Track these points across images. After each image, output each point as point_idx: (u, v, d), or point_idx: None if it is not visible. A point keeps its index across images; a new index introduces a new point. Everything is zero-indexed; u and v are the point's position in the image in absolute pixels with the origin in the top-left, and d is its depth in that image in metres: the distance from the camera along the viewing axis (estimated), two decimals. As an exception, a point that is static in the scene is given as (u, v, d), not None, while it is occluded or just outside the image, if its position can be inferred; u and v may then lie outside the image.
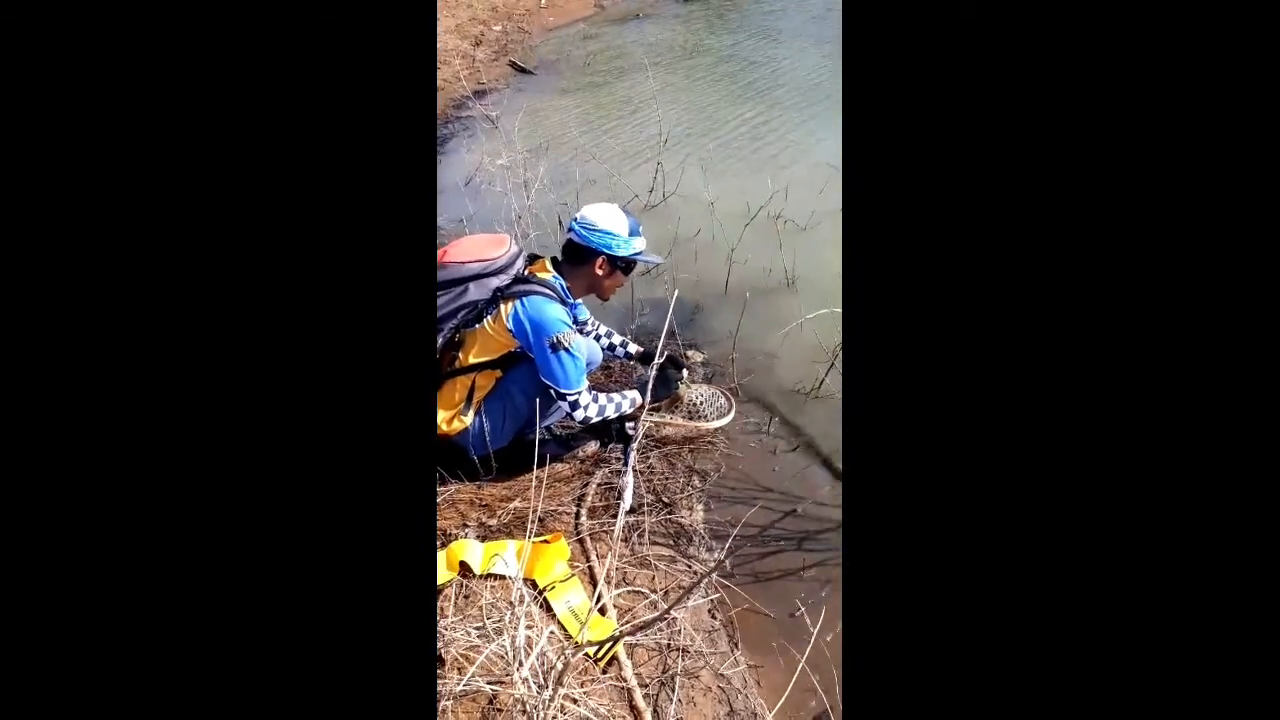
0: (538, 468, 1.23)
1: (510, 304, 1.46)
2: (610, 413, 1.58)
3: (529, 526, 1.11)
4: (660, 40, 5.22)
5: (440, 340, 1.47)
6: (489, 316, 1.47)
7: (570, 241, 1.54)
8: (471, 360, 1.49)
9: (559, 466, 1.68)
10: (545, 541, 1.38)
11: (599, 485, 1.59)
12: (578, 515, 1.50)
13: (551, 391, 1.50)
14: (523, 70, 4.77)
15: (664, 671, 1.20)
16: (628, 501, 1.50)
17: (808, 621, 1.13)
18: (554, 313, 1.45)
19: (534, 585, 1.31)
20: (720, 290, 2.31)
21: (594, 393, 1.56)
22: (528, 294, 1.46)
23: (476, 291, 1.44)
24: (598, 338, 1.82)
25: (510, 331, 1.46)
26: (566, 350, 1.46)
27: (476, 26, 5.36)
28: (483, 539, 1.41)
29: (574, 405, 1.52)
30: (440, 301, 1.44)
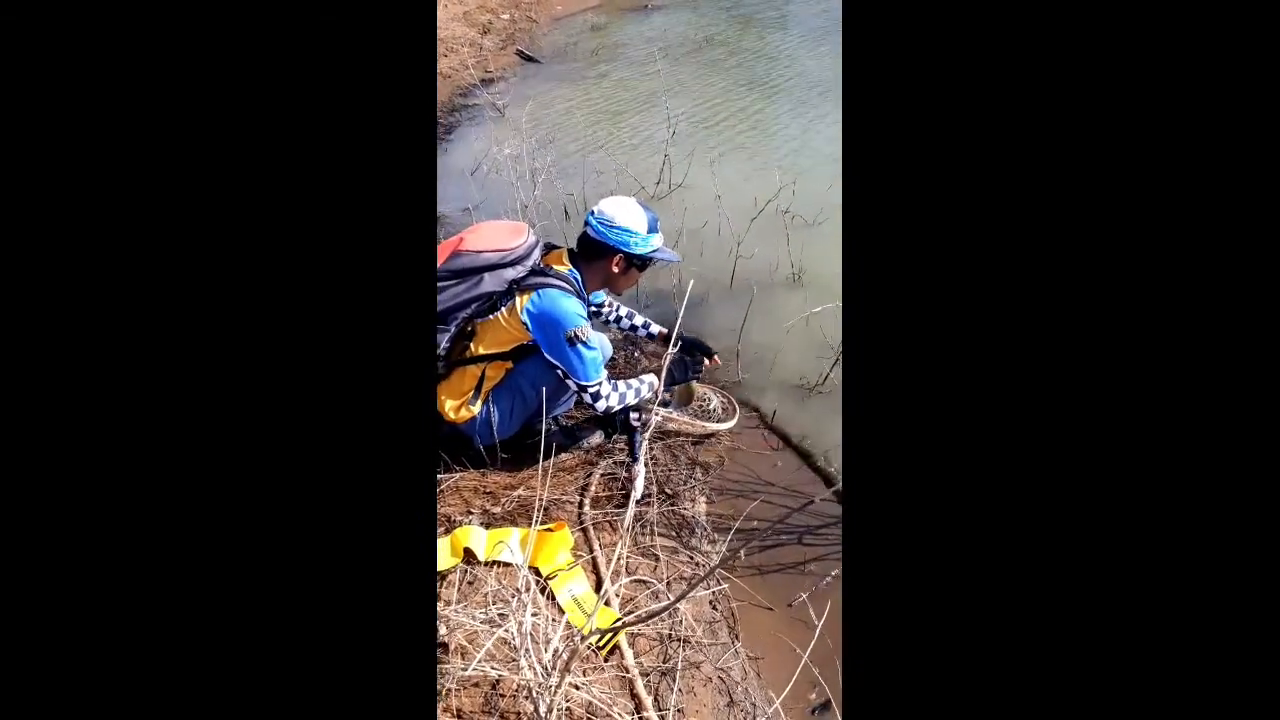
0: (543, 458, 1.24)
1: (526, 296, 1.45)
2: (630, 399, 1.58)
3: (535, 514, 1.11)
4: (669, 32, 5.19)
5: (452, 329, 1.47)
6: (503, 308, 1.46)
7: (586, 236, 1.52)
8: (482, 351, 1.49)
9: (563, 456, 1.68)
10: (549, 530, 1.38)
11: (602, 476, 1.60)
12: (581, 505, 1.51)
13: (571, 384, 1.50)
14: (530, 59, 4.74)
15: (665, 661, 1.21)
16: (639, 490, 1.50)
17: (811, 613, 1.14)
18: (570, 306, 1.45)
19: (537, 573, 1.31)
20: (726, 283, 2.30)
21: (613, 382, 1.57)
22: (543, 287, 1.45)
23: (491, 283, 1.43)
24: (618, 319, 1.82)
25: (525, 324, 1.45)
26: (584, 343, 1.46)
27: (484, 14, 5.32)
28: (486, 526, 1.42)
29: (595, 396, 1.53)
30: (454, 291, 1.42)
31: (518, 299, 1.45)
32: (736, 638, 1.31)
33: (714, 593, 1.37)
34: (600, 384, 1.52)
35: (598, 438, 1.73)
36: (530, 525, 1.14)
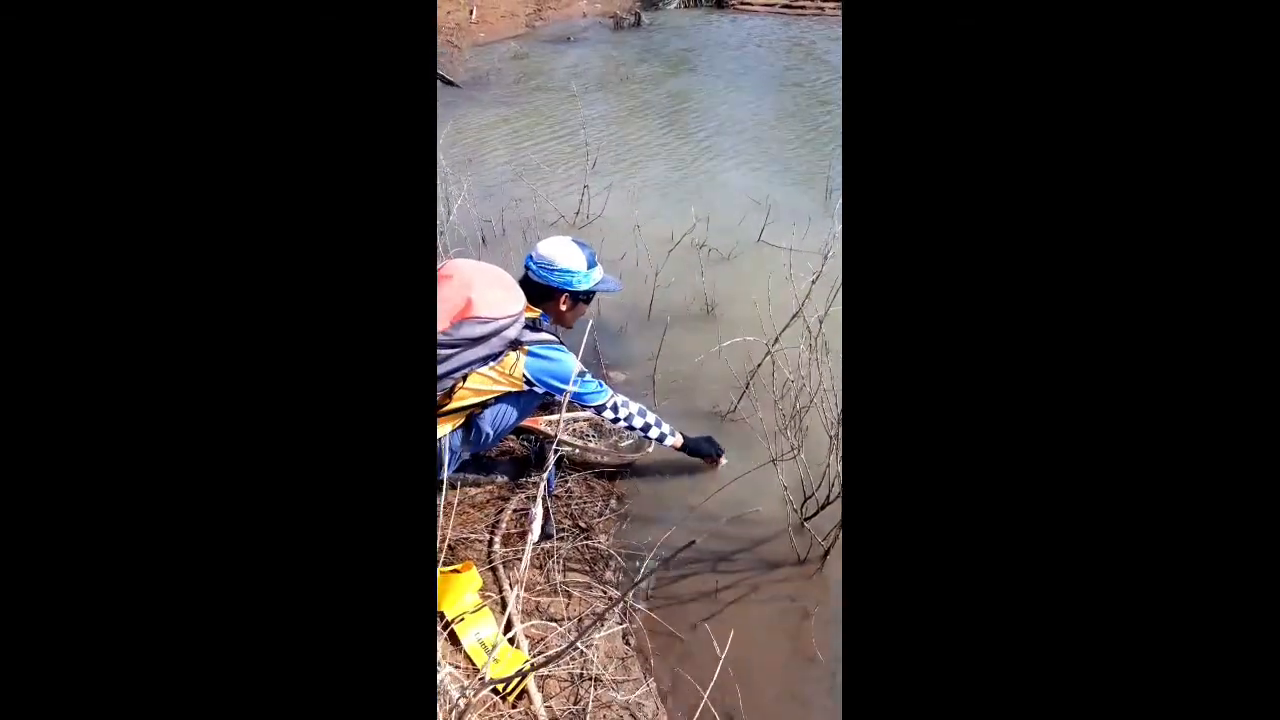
0: (448, 490, 1.19)
1: (522, 355, 1.47)
2: (652, 422, 1.63)
3: (438, 554, 1.06)
4: (590, 65, 5.30)
5: (450, 386, 1.45)
6: (494, 362, 1.47)
7: (530, 280, 1.57)
8: (469, 400, 1.48)
9: (472, 492, 1.63)
10: (455, 571, 1.33)
11: (515, 511, 1.56)
12: (491, 543, 1.46)
13: (591, 410, 1.59)
14: (449, 83, 4.69)
15: (575, 703, 1.18)
16: (536, 532, 1.47)
17: (714, 643, 1.15)
18: (564, 356, 1.51)
19: (442, 617, 1.25)
20: (644, 314, 2.34)
21: (629, 401, 1.62)
22: (535, 344, 1.49)
23: (498, 344, 1.45)
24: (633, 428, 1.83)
25: (529, 380, 1.48)
26: (584, 375, 1.54)
27: (402, 35, 5.23)
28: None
29: (615, 409, 1.59)
30: (468, 355, 1.41)
31: (510, 354, 1.47)
32: (649, 672, 1.30)
33: (626, 626, 1.36)
34: (613, 398, 1.58)
35: (509, 473, 1.69)
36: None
